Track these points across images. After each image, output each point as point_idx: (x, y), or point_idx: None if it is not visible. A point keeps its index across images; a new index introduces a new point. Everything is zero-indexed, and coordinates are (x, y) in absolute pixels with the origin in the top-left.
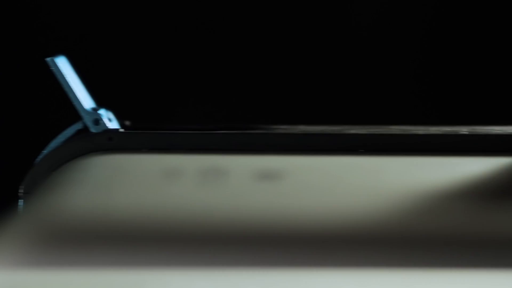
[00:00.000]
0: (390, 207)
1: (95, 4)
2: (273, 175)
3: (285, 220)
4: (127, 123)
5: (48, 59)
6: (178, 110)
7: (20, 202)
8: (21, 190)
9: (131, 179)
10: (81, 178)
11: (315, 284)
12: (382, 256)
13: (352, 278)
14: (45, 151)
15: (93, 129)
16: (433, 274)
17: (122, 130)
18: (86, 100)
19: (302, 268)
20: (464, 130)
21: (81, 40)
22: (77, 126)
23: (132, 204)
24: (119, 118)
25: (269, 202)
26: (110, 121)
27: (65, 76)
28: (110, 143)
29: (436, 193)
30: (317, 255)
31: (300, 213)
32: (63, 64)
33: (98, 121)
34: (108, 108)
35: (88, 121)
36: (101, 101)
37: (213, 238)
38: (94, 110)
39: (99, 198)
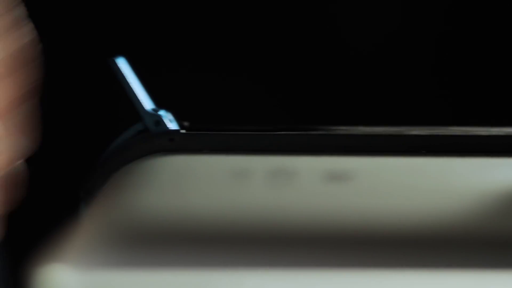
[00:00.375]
0: (457, 208)
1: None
2: (341, 176)
3: (356, 221)
4: (186, 124)
5: (109, 59)
6: (231, 111)
7: (82, 204)
8: (82, 192)
9: (197, 180)
10: (144, 180)
11: (388, 285)
12: (451, 257)
13: (422, 279)
14: (106, 153)
15: (154, 130)
16: (503, 276)
17: (183, 131)
18: (146, 101)
19: (370, 268)
20: None
21: (139, 41)
22: (137, 127)
23: (200, 205)
24: (177, 119)
25: (339, 203)
26: (170, 122)
27: (126, 76)
28: (171, 144)
29: (501, 195)
30: (387, 256)
31: (370, 214)
32: (123, 65)
33: (159, 122)
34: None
35: (149, 122)
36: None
37: (283, 238)
38: (154, 111)
39: (164, 199)
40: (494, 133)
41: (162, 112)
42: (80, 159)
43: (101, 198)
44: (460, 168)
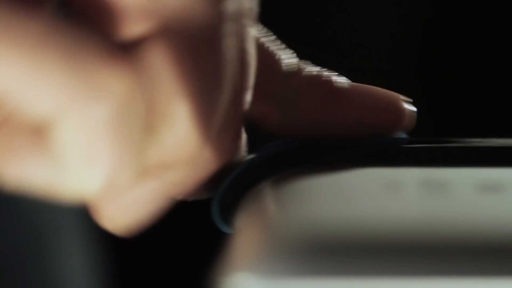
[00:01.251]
0: None
1: None
2: (494, 188)
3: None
4: None
5: None
6: None
7: (214, 209)
8: (218, 203)
9: (348, 191)
10: (294, 190)
11: None
12: None
13: None
14: (249, 160)
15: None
16: None
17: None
18: None
19: None
20: None
21: None
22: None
23: (357, 215)
24: None
25: (493, 214)
26: None
27: None
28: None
29: None
30: None
31: None
32: None
33: None
34: None
35: None
36: None
37: (437, 249)
38: None
39: (319, 210)
40: None
41: None
42: None
43: (257, 208)
44: None
